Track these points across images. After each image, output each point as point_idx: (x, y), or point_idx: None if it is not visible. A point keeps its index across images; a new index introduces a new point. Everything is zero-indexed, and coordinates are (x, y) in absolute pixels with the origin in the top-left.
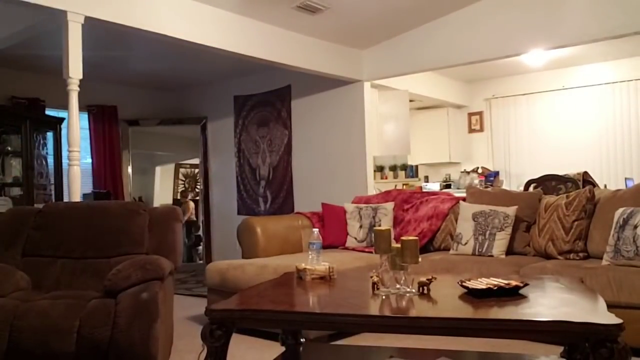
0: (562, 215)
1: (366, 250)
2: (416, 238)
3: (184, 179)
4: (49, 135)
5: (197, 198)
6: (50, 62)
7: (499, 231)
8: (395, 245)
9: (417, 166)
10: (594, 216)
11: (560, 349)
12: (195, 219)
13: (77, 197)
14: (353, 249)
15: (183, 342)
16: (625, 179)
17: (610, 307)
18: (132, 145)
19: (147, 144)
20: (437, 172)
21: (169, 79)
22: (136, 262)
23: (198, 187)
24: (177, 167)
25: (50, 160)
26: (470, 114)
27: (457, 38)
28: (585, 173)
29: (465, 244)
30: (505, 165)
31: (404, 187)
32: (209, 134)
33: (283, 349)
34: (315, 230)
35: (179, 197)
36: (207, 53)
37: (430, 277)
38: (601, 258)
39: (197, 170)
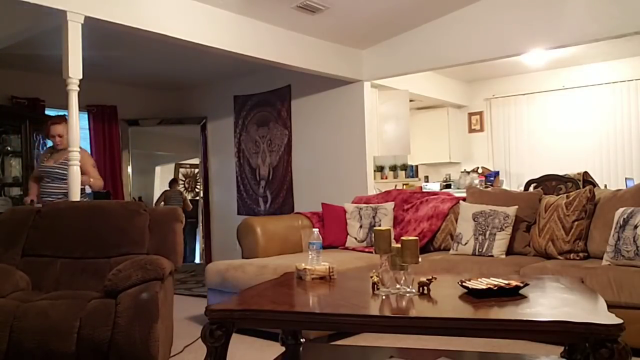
0: (563, 215)
1: (366, 250)
2: (416, 238)
3: (184, 178)
4: None
5: (197, 198)
6: (50, 62)
7: (499, 231)
8: (395, 245)
9: (417, 166)
10: (594, 216)
11: (561, 349)
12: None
13: (77, 197)
14: (353, 249)
15: (183, 342)
16: (626, 179)
17: (611, 307)
18: (132, 145)
19: (147, 144)
20: (437, 172)
21: (169, 79)
22: (136, 262)
23: (198, 187)
24: (177, 167)
25: None
26: (470, 114)
27: (457, 38)
28: (586, 173)
29: (466, 244)
30: (505, 165)
31: (404, 187)
32: (209, 134)
33: (283, 349)
34: (315, 230)
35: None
36: (207, 53)
37: (430, 277)
38: (601, 258)
39: (197, 170)
